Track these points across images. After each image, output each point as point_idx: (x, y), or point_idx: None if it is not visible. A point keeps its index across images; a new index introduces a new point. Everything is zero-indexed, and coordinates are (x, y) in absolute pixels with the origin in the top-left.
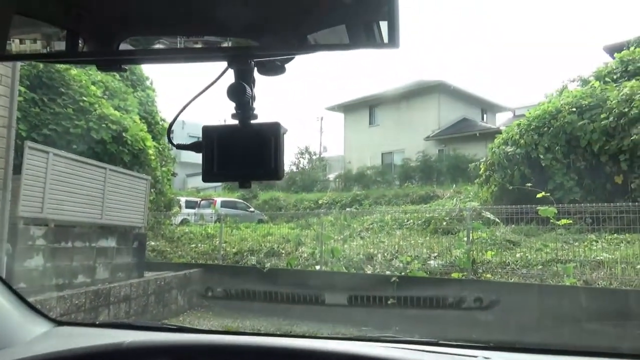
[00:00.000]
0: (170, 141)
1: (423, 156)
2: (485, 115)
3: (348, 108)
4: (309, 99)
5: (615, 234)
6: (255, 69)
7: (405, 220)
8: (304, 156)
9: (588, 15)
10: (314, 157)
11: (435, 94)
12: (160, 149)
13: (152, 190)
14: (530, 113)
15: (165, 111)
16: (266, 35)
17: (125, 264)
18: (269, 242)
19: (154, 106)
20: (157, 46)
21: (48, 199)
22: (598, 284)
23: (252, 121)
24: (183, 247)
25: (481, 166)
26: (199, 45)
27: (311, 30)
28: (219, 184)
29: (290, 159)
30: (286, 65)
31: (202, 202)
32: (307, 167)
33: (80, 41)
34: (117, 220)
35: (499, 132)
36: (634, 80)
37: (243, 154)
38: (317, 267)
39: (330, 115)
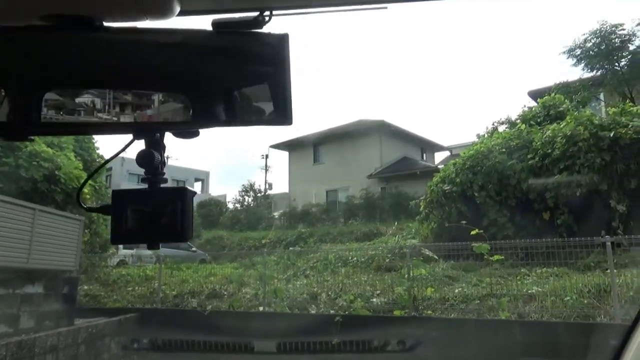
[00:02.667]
0: (79, 204)
1: (366, 194)
2: (424, 154)
3: (292, 146)
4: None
5: (545, 268)
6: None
7: (350, 258)
8: (248, 194)
9: (515, 62)
10: (258, 195)
11: (377, 133)
12: (97, 187)
13: (86, 230)
14: (464, 153)
15: (104, 147)
16: (171, 112)
17: (54, 311)
18: (211, 283)
19: (91, 142)
20: (67, 119)
21: None
22: (531, 317)
23: (162, 185)
24: (119, 290)
25: (421, 204)
26: (108, 118)
27: (209, 107)
28: None
29: (234, 197)
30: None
31: None
32: (251, 205)
33: None
34: (46, 264)
35: (437, 170)
36: (555, 124)
37: (151, 216)
38: (261, 309)
39: (275, 152)
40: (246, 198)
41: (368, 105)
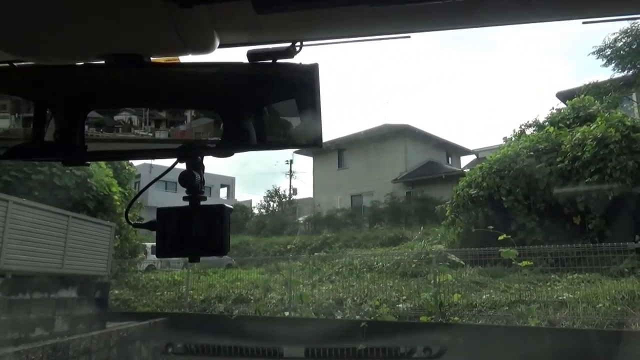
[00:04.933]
0: (127, 221)
1: (391, 198)
2: (450, 158)
3: (317, 151)
4: None
5: (576, 274)
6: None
7: (375, 263)
8: (273, 199)
9: (543, 62)
10: (283, 200)
11: (402, 137)
12: (127, 194)
13: (116, 236)
14: (491, 156)
15: None
16: (206, 134)
17: (87, 315)
18: (238, 288)
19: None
20: (120, 147)
21: (6, 248)
22: (562, 324)
23: (201, 203)
24: (148, 295)
25: (447, 208)
26: (151, 146)
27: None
28: None
29: (259, 202)
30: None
31: None
32: (277, 210)
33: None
34: (79, 269)
35: (463, 174)
36: (585, 126)
37: (192, 232)
38: (287, 314)
39: (299, 158)
40: (271, 203)
41: (393, 110)
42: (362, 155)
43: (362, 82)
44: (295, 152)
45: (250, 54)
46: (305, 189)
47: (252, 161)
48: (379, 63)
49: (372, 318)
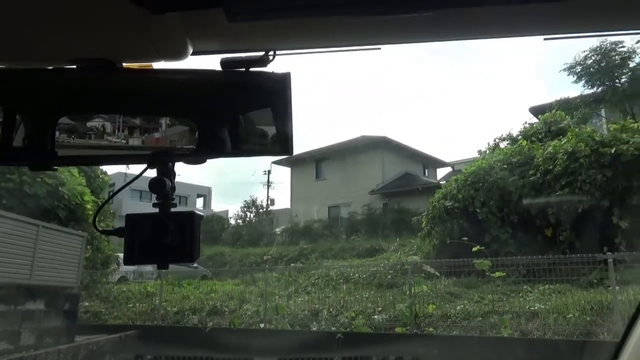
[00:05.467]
0: (95, 227)
1: (368, 210)
2: (426, 170)
3: (295, 162)
4: None
5: (547, 285)
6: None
7: (351, 275)
8: (250, 210)
9: (517, 77)
10: (261, 211)
11: (379, 149)
12: (100, 203)
13: (88, 247)
14: (466, 169)
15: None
16: (180, 141)
17: (55, 327)
18: (212, 300)
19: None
20: (90, 153)
21: None
22: (533, 335)
23: (172, 209)
24: (120, 307)
25: (423, 220)
26: (122, 152)
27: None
28: None
29: (236, 213)
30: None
31: None
32: (253, 221)
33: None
34: (48, 280)
35: (439, 186)
36: (556, 140)
37: (162, 239)
38: (262, 325)
39: (277, 168)
40: (248, 214)
41: (370, 122)
42: (339, 166)
43: (340, 93)
44: (273, 162)
45: (223, 62)
46: (282, 200)
47: (229, 171)
48: (356, 75)
49: (348, 329)
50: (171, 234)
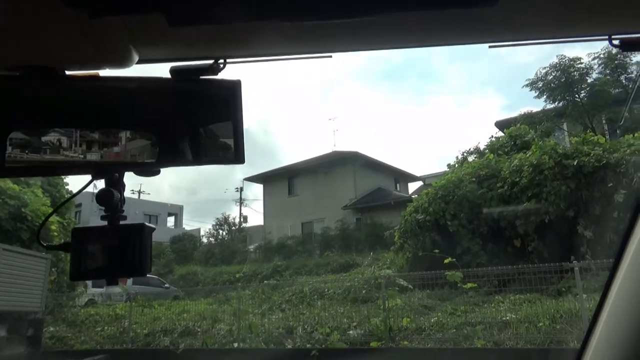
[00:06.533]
0: (39, 241)
1: (342, 225)
2: (398, 184)
3: (267, 179)
4: (228, 170)
5: (518, 294)
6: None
7: (326, 290)
8: (223, 227)
9: (484, 93)
10: (233, 228)
11: (351, 164)
12: (65, 223)
13: (53, 269)
14: (436, 183)
15: (73, 183)
16: (133, 151)
17: (17, 354)
18: (185, 320)
19: (60, 179)
20: (31, 159)
21: None
22: (506, 344)
23: (121, 222)
24: (87, 331)
25: (396, 233)
26: (73, 157)
27: (169, 148)
28: None
29: (208, 231)
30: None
31: None
32: (226, 239)
33: None
34: (10, 305)
35: (410, 200)
36: (521, 153)
37: (110, 253)
38: (235, 345)
39: (250, 185)
40: (220, 232)
41: (341, 137)
42: (312, 182)
43: (310, 108)
44: (246, 179)
45: (173, 70)
46: (255, 217)
47: (201, 189)
48: (325, 90)
49: (323, 346)
50: (120, 247)
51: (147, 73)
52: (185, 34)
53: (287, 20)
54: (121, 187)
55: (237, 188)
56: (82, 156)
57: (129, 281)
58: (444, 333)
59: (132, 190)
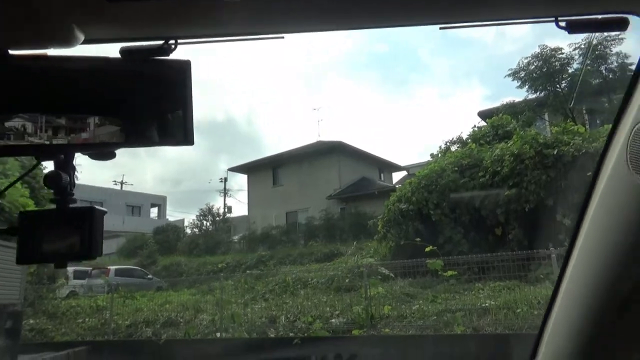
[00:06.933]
0: None
1: (326, 214)
2: (382, 174)
3: (251, 169)
4: (212, 160)
5: (498, 282)
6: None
7: (310, 280)
8: (207, 218)
9: (467, 83)
10: (217, 219)
11: (335, 154)
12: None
13: None
14: (419, 172)
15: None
16: (78, 133)
17: None
18: (167, 311)
19: (39, 169)
20: None
21: None
22: (485, 330)
23: (71, 205)
24: (68, 323)
25: (379, 223)
26: (11, 142)
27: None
28: (113, 250)
29: (192, 221)
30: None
31: (94, 271)
32: (210, 229)
33: None
34: None
35: (394, 190)
36: (503, 143)
37: (59, 236)
38: (218, 335)
39: (234, 175)
40: (205, 222)
41: (326, 128)
42: (296, 172)
43: (295, 98)
44: (230, 169)
45: (122, 51)
46: (240, 207)
47: (185, 180)
48: (308, 80)
49: (306, 334)
50: (68, 231)
51: (99, 52)
52: (134, 14)
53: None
54: (71, 169)
55: (221, 178)
56: (47, 142)
57: (111, 272)
58: (424, 320)
59: (115, 181)
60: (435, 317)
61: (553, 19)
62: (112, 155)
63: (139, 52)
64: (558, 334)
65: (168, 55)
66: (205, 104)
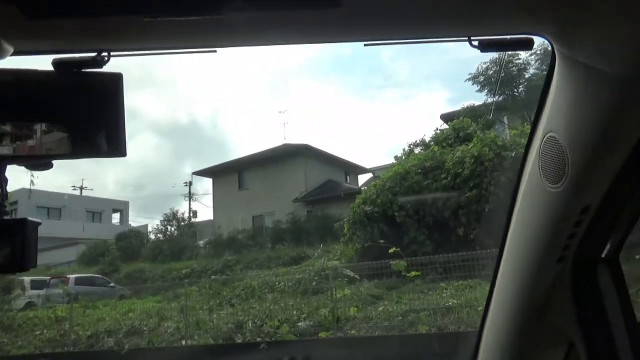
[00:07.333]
0: None
1: (293, 218)
2: (348, 177)
3: (216, 172)
4: (176, 164)
5: (461, 281)
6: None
7: (277, 283)
8: (171, 223)
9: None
10: (182, 224)
11: (301, 157)
12: None
13: None
14: (384, 175)
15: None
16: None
17: None
18: (130, 320)
19: None
20: None
21: None
22: (449, 329)
23: (4, 217)
24: (25, 335)
25: (345, 225)
26: None
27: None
28: (73, 258)
29: (156, 227)
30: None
31: (52, 280)
32: (175, 235)
33: None
34: None
35: (359, 192)
36: (464, 145)
37: None
38: (183, 342)
39: (199, 180)
40: (169, 227)
41: (292, 131)
42: (262, 175)
43: (260, 102)
44: (195, 173)
45: (55, 63)
46: (205, 212)
47: (148, 184)
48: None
49: (273, 339)
50: (1, 241)
51: (32, 65)
52: (64, 27)
53: (149, 16)
54: (2, 181)
55: (185, 182)
56: None
57: (71, 281)
58: (390, 321)
59: (73, 187)
60: (400, 318)
61: (467, 38)
62: (48, 166)
63: (70, 65)
64: (494, 330)
65: (101, 67)
66: (168, 107)
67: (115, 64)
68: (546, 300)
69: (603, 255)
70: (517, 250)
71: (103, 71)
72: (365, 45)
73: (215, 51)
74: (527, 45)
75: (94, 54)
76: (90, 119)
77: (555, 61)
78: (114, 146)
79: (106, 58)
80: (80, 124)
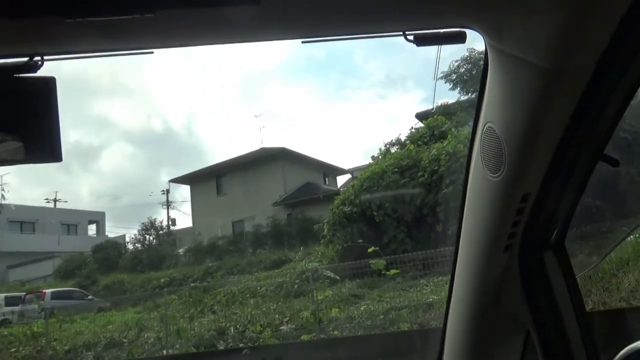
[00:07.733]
0: None
1: (273, 221)
2: (327, 179)
3: (194, 179)
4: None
5: (441, 277)
6: None
7: (259, 288)
8: (149, 232)
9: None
10: (161, 232)
11: (279, 160)
12: None
13: None
14: (361, 175)
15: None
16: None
17: None
18: (110, 332)
19: None
20: None
21: None
22: (430, 324)
23: None
24: (0, 353)
25: (325, 227)
26: None
27: None
28: (49, 272)
29: (134, 236)
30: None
31: (28, 296)
32: (154, 244)
33: None
34: None
35: (338, 193)
36: (439, 143)
37: None
38: (164, 352)
39: (176, 187)
40: (147, 237)
41: (269, 134)
42: (241, 180)
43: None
44: (171, 181)
45: None
46: (184, 219)
47: (124, 194)
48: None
49: (256, 344)
50: None
51: None
52: None
53: (69, 17)
54: None
55: (163, 190)
56: None
57: (47, 295)
58: (372, 320)
59: (47, 199)
60: (382, 316)
61: (401, 33)
62: None
63: (3, 70)
64: (455, 322)
65: (35, 72)
66: (142, 115)
67: (86, 72)
68: (498, 290)
69: (549, 243)
70: (468, 242)
71: (36, 76)
72: (302, 42)
73: (152, 52)
74: (460, 38)
75: (26, 59)
76: (25, 124)
77: (488, 54)
78: (49, 151)
79: (39, 63)
80: (14, 129)
